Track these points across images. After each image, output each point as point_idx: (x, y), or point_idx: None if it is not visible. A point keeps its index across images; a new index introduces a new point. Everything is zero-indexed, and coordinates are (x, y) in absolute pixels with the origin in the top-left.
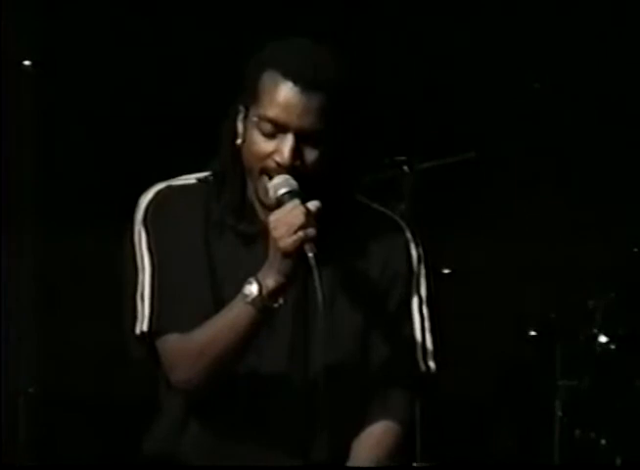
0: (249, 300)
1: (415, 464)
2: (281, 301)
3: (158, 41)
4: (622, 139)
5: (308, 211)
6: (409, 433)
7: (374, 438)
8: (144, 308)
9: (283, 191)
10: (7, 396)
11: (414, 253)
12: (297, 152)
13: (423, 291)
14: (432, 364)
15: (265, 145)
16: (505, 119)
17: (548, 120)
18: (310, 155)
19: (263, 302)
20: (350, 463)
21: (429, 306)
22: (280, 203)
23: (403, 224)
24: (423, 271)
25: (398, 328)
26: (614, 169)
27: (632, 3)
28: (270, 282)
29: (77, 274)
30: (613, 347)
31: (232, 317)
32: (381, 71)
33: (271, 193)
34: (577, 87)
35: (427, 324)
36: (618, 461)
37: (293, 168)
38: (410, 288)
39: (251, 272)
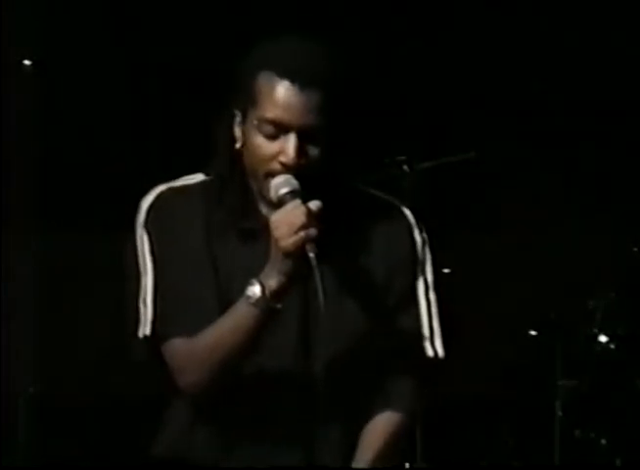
0: (252, 301)
1: (415, 465)
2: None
3: (158, 41)
4: (623, 139)
5: (309, 211)
6: (414, 422)
7: (379, 428)
8: (147, 312)
9: (284, 191)
10: (7, 396)
11: (418, 238)
12: (301, 150)
13: (429, 276)
14: (439, 350)
15: (269, 147)
16: (505, 119)
17: (548, 120)
18: (313, 152)
19: (266, 302)
20: (357, 455)
21: (435, 292)
22: (281, 203)
23: (405, 210)
24: (428, 256)
25: (405, 315)
26: (614, 169)
27: (632, 3)
28: (272, 283)
29: (77, 274)
30: (613, 347)
31: (236, 319)
32: (380, 71)
33: (272, 193)
34: (577, 86)
35: (433, 310)
36: (618, 461)
37: (297, 167)
38: (415, 274)
39: (255, 270)
